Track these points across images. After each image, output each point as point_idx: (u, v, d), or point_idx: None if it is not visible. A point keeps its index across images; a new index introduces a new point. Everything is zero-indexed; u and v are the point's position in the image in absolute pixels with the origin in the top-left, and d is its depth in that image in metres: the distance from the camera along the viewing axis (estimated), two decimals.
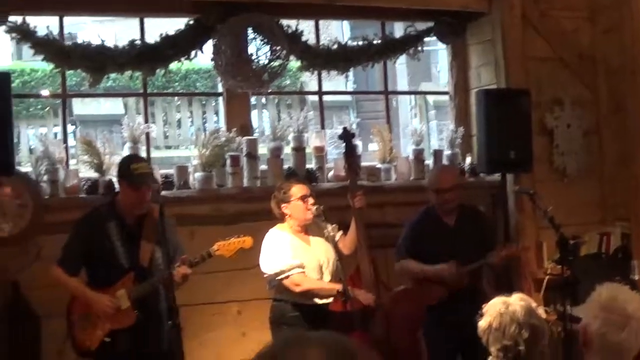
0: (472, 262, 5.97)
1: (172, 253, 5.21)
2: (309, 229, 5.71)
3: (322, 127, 7.22)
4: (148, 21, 6.73)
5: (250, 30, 6.37)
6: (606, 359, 3.10)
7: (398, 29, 8.13)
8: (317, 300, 5.55)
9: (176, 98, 13.09)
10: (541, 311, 6.49)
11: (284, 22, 6.64)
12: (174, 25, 6.44)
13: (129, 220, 5.27)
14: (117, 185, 5.83)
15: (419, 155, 7.10)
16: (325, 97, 7.85)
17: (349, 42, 7.13)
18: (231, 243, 5.31)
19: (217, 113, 11.94)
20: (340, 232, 5.80)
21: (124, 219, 5.27)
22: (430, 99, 11.90)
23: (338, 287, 5.41)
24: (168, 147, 12.54)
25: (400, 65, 14.63)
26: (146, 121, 6.63)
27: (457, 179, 6.31)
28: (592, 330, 3.10)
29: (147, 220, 5.26)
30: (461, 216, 6.16)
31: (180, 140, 12.74)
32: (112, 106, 12.02)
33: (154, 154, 7.93)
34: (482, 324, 3.69)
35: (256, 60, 6.34)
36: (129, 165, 5.24)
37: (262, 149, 6.77)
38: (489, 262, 6.03)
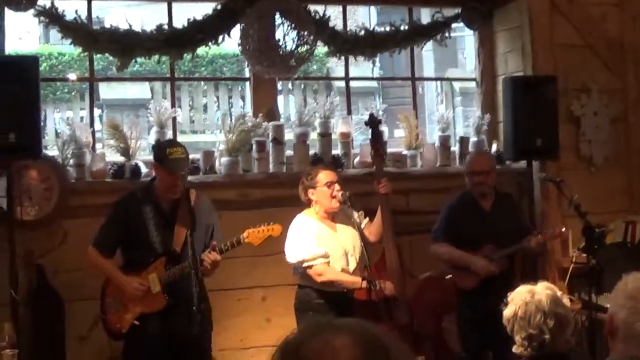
0: (507, 247, 6.03)
1: (207, 237, 5.29)
2: (335, 215, 5.71)
3: (349, 112, 7.21)
4: (176, 6, 6.74)
5: (277, 16, 6.36)
6: (632, 347, 3.07)
7: (425, 15, 8.09)
8: (342, 288, 5.56)
9: (202, 83, 13.11)
10: (566, 300, 6.51)
11: (311, 7, 6.63)
12: (201, 10, 6.45)
13: (164, 205, 5.32)
14: (144, 169, 5.87)
15: (444, 141, 7.09)
16: (352, 83, 7.84)
17: (376, 28, 7.12)
18: (260, 231, 5.31)
19: (243, 98, 11.96)
20: (367, 219, 5.81)
21: (160, 203, 5.31)
22: (457, 85, 11.82)
23: (359, 280, 5.43)
24: (194, 132, 12.57)
25: (427, 51, 14.58)
26: (173, 106, 6.64)
27: (491, 163, 6.33)
28: (619, 319, 3.08)
29: (182, 205, 5.27)
30: (497, 201, 6.22)
31: (207, 125, 12.77)
32: (138, 90, 12.04)
33: (180, 138, 7.93)
34: (507, 312, 3.69)
35: (283, 46, 6.33)
36: (165, 149, 5.29)
37: (289, 135, 6.78)
38: (525, 246, 6.07)
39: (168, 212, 5.31)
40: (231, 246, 5.27)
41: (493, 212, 6.19)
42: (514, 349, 3.68)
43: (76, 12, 6.08)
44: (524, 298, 3.63)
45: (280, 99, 8.71)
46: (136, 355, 5.33)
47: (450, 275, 6.06)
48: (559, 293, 3.73)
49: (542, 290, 3.66)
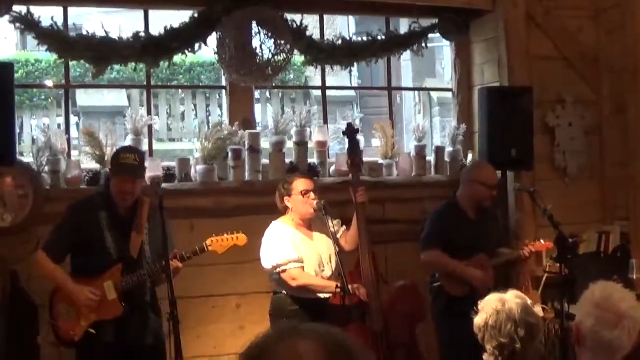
0: (494, 257, 6.14)
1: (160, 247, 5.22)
2: (312, 223, 5.73)
3: (325, 121, 7.22)
4: (153, 13, 6.74)
5: (254, 24, 6.36)
6: (598, 356, 3.11)
7: (403, 25, 8.13)
8: (316, 294, 5.57)
9: (180, 90, 13.09)
10: (538, 309, 6.56)
11: (288, 16, 6.64)
12: (178, 17, 6.44)
13: (120, 211, 5.26)
14: None
15: (420, 151, 7.10)
16: (330, 92, 7.84)
17: (353, 38, 7.13)
18: (224, 239, 5.31)
19: (220, 106, 11.93)
20: (343, 228, 5.83)
21: (116, 209, 5.25)
22: (434, 95, 11.88)
23: (333, 284, 5.43)
24: (171, 140, 12.55)
25: (405, 61, 14.66)
26: (149, 113, 6.62)
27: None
28: (585, 328, 3.12)
29: (138, 212, 5.25)
30: (480, 211, 6.27)
31: (184, 132, 12.74)
32: (115, 97, 12.03)
33: (157, 146, 7.94)
34: (478, 320, 3.70)
35: (260, 54, 6.33)
36: (118, 154, 5.29)
37: (265, 143, 6.78)
38: (515, 256, 6.24)
39: (124, 218, 5.25)
40: (193, 254, 5.25)
41: (478, 221, 6.25)
42: (485, 358, 3.70)
43: (52, 18, 6.05)
44: (494, 306, 3.64)
45: (257, 107, 8.72)
46: None
47: (438, 283, 6.07)
48: (529, 302, 3.74)
49: (513, 298, 3.67)
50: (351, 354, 1.58)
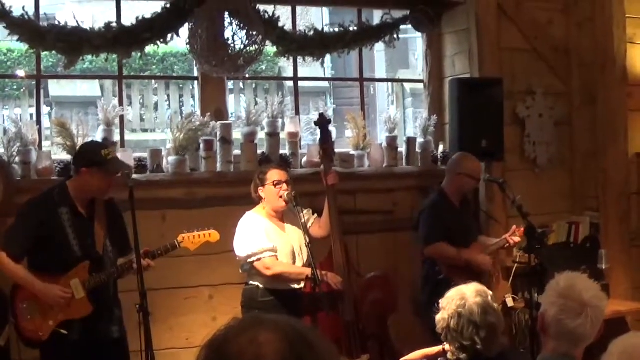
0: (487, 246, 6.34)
1: (121, 241, 5.19)
2: (285, 215, 5.75)
3: (297, 112, 7.23)
4: (125, 4, 6.71)
5: (226, 15, 6.35)
6: (562, 344, 3.16)
7: (377, 17, 8.15)
8: (289, 285, 5.59)
9: (154, 81, 13.04)
10: (509, 299, 6.63)
11: (261, 7, 6.64)
12: (151, 8, 6.42)
13: (80, 207, 5.11)
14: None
15: (391, 142, 7.14)
16: (303, 83, 7.85)
17: (326, 29, 7.14)
18: (197, 236, 5.27)
19: (194, 97, 11.92)
20: (315, 216, 5.86)
21: (76, 205, 5.09)
22: (407, 86, 11.90)
23: (308, 271, 5.46)
24: (144, 131, 12.51)
25: (379, 52, 14.70)
26: (121, 104, 6.60)
27: None
28: (549, 316, 3.17)
29: (97, 207, 5.16)
30: (462, 201, 6.43)
31: (157, 123, 12.71)
32: (88, 88, 11.97)
33: (130, 137, 7.93)
34: (440, 319, 3.75)
35: (232, 45, 6.32)
36: (100, 152, 5.08)
37: (237, 134, 6.79)
38: (503, 244, 6.35)
39: (85, 214, 5.12)
40: (165, 251, 5.19)
41: (462, 210, 6.40)
42: (449, 356, 3.75)
43: (23, 8, 6.01)
44: (455, 307, 3.69)
45: (231, 98, 8.72)
46: None
47: (443, 276, 6.10)
48: (489, 297, 3.77)
49: (473, 297, 3.70)
50: (312, 345, 1.60)
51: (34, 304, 4.99)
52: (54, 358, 5.09)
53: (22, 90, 12.37)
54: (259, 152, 6.64)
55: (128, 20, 6.32)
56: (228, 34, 6.32)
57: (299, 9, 7.48)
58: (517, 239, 6.29)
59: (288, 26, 6.95)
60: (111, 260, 5.13)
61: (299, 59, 7.19)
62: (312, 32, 6.90)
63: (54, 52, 6.33)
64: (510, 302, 6.67)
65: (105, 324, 5.12)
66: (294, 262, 5.66)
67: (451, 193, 6.33)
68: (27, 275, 4.99)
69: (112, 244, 5.18)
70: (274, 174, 5.66)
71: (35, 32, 6.02)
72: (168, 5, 6.35)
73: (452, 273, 6.07)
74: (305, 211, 5.73)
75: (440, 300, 3.82)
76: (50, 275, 4.98)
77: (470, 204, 6.68)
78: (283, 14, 6.97)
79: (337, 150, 6.76)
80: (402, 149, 7.27)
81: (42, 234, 4.99)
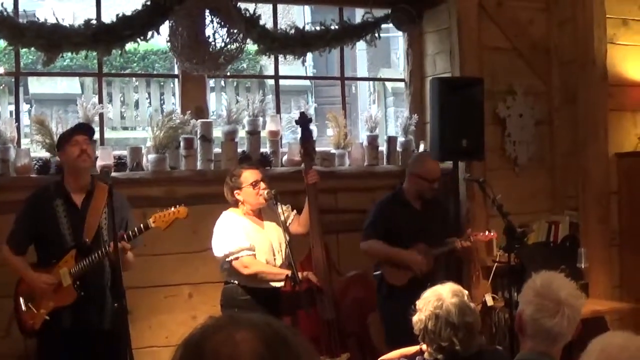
0: (437, 247, 6.17)
1: (121, 230, 5.20)
2: (263, 212, 5.74)
3: (278, 111, 7.22)
4: (105, 1, 6.68)
5: (207, 13, 6.33)
6: (539, 343, 3.17)
7: (359, 16, 8.15)
8: (269, 284, 5.58)
9: (134, 79, 12.98)
10: (489, 298, 6.64)
11: (242, 5, 6.63)
12: (131, 5, 6.40)
13: (76, 198, 5.26)
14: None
15: (372, 141, 7.15)
16: (284, 82, 7.84)
17: (307, 27, 7.14)
18: (166, 214, 5.24)
19: (174, 95, 11.85)
20: (294, 212, 5.85)
21: (71, 197, 5.26)
22: (389, 85, 11.90)
23: (286, 272, 5.45)
24: (125, 128, 12.43)
25: (361, 51, 14.69)
26: (101, 101, 6.58)
27: (440, 170, 6.44)
28: (526, 316, 3.18)
29: (93, 198, 5.26)
30: (426, 202, 6.31)
31: (138, 121, 12.62)
32: (68, 85, 11.87)
33: (110, 134, 7.90)
34: (417, 321, 3.74)
35: (213, 43, 6.31)
36: (62, 136, 5.40)
37: (218, 132, 6.77)
38: (453, 247, 6.23)
39: (79, 204, 5.26)
40: (139, 232, 5.18)
41: (424, 211, 6.29)
42: (426, 356, 3.75)
43: (2, 4, 5.97)
44: (432, 308, 3.68)
45: (212, 96, 8.70)
46: (50, 351, 5.22)
47: (380, 272, 6.13)
48: (465, 296, 3.77)
49: (450, 297, 3.70)
50: (288, 343, 1.59)
51: (30, 295, 5.19)
52: (47, 346, 5.24)
53: (1, 87, 12.26)
54: (240, 150, 6.63)
55: (108, 17, 6.30)
56: (209, 31, 6.32)
57: (280, 7, 7.48)
58: (467, 243, 6.28)
59: (269, 24, 6.94)
60: (105, 249, 5.13)
61: (280, 58, 7.18)
62: (293, 31, 6.90)
63: (33, 49, 6.30)
64: (490, 301, 6.68)
65: (96, 314, 5.19)
66: (274, 259, 5.65)
67: (408, 192, 6.30)
68: (22, 265, 5.25)
69: (110, 233, 5.17)
70: (249, 175, 5.63)
71: (14, 28, 5.99)
72: (148, 3, 6.32)
73: (387, 271, 6.12)
74: (284, 207, 5.72)
75: (416, 302, 3.81)
76: (48, 265, 5.17)
77: (441, 206, 6.57)
78: (264, 12, 6.97)
79: (318, 149, 6.75)
80: (383, 148, 7.28)
81: (39, 227, 5.22)
